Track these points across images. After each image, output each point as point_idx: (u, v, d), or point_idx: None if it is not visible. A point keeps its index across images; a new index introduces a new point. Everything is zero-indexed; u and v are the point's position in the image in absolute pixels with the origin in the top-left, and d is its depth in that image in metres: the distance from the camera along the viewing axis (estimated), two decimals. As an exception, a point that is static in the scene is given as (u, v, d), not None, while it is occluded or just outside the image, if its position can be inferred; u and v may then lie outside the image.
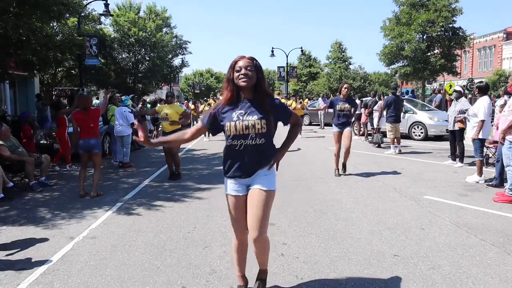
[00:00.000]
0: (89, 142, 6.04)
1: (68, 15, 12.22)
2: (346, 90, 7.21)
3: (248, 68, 2.52)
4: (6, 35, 8.61)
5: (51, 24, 11.58)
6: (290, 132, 2.84)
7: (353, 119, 7.66)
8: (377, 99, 13.01)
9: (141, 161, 9.81)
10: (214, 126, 2.69)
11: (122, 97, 9.42)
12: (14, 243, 4.14)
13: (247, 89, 2.57)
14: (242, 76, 2.51)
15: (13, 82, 14.56)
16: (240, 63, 2.53)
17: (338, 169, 7.39)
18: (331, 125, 8.47)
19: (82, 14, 16.89)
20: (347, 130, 7.25)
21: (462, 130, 8.09)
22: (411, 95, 21.39)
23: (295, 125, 2.83)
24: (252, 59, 2.59)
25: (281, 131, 2.82)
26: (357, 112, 12.29)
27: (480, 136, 6.65)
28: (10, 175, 6.69)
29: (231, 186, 2.69)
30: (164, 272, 3.36)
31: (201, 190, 6.40)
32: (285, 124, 2.77)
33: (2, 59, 9.37)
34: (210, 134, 2.78)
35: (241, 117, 2.55)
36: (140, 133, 2.61)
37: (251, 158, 2.59)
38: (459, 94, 8.24)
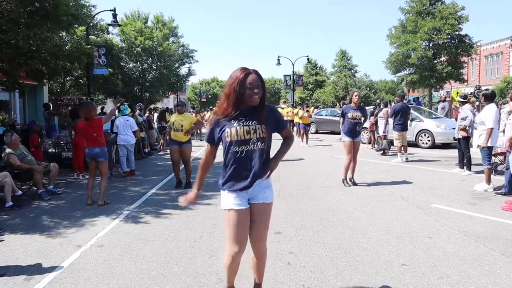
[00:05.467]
0: (93, 151, 6.10)
1: (77, 25, 12.42)
2: (357, 98, 7.21)
3: (259, 86, 2.48)
4: (17, 46, 8.78)
5: (60, 34, 11.75)
6: (284, 144, 2.81)
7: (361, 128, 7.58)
8: (384, 106, 12.99)
9: (147, 170, 9.87)
10: (213, 137, 2.62)
11: (121, 106, 9.39)
12: (23, 250, 4.18)
13: None
14: (256, 95, 2.46)
15: (22, 91, 14.77)
16: (250, 80, 2.46)
17: (346, 179, 7.30)
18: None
19: (91, 24, 17.16)
20: (358, 141, 7.21)
21: (466, 138, 8.04)
22: (418, 101, 21.22)
23: (287, 138, 2.84)
24: (259, 74, 2.53)
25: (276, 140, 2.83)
26: (367, 121, 12.22)
27: (488, 144, 6.61)
28: (19, 183, 6.77)
29: (232, 200, 2.61)
30: (170, 281, 3.36)
31: (207, 198, 6.40)
32: (279, 132, 2.76)
33: (13, 69, 9.55)
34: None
35: (241, 123, 2.50)
36: (187, 197, 2.82)
37: (253, 163, 2.53)
38: (462, 102, 8.43)
